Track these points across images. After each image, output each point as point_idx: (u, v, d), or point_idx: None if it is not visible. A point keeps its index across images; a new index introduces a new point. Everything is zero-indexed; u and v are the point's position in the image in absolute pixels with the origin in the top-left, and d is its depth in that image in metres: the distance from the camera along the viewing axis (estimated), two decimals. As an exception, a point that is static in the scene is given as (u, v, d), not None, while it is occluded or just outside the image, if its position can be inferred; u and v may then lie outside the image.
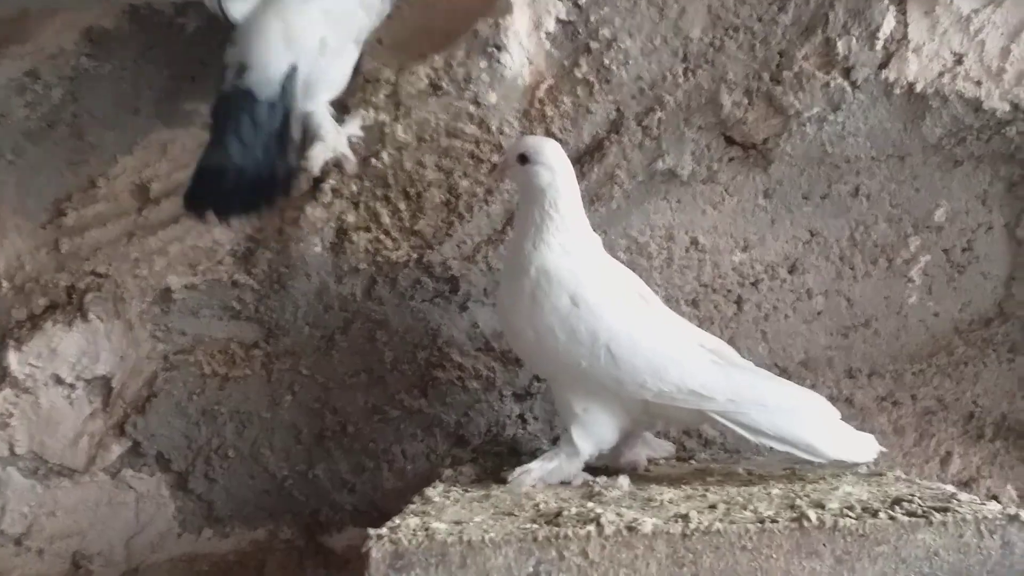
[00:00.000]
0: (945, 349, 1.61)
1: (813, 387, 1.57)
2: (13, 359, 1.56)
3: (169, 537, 1.63)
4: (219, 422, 1.61)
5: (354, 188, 1.55)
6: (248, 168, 1.34)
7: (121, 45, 1.59)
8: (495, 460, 1.42)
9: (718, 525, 0.94)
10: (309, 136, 1.47)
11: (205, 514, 1.63)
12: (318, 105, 1.46)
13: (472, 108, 1.52)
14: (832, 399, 1.56)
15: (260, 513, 1.63)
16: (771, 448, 1.19)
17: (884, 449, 1.22)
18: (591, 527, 0.94)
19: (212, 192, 1.37)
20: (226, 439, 1.61)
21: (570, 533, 0.94)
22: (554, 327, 1.21)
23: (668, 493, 1.12)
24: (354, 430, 1.61)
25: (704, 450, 1.56)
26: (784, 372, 1.59)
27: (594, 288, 1.23)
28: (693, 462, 1.45)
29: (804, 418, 1.20)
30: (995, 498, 1.57)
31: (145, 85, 1.60)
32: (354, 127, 1.52)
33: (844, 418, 1.24)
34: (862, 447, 1.21)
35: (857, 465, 1.22)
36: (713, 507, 1.03)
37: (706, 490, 1.14)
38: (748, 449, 1.31)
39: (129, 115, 1.60)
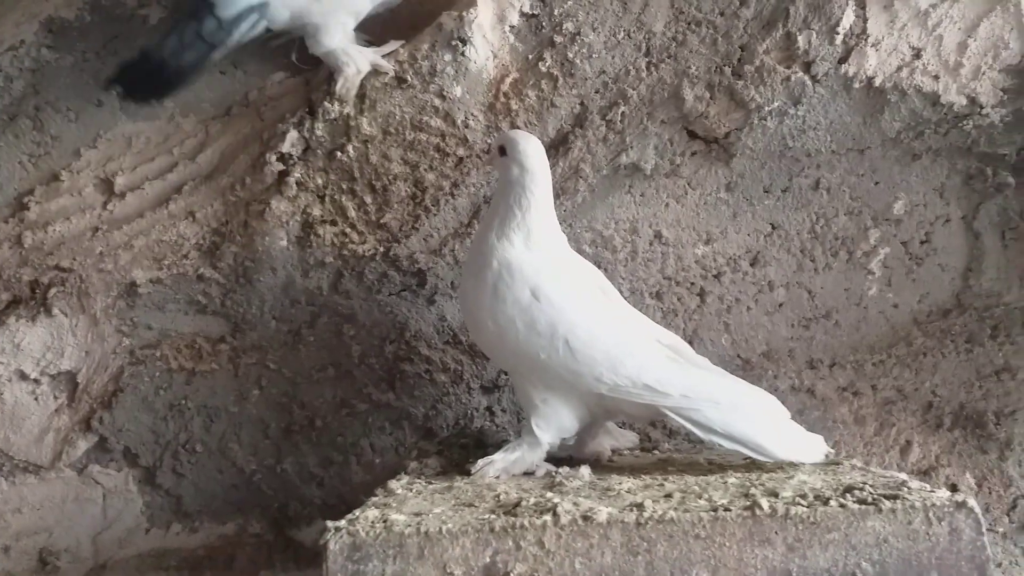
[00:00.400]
0: (904, 340, 1.63)
1: (775, 378, 1.60)
2: (-24, 355, 1.54)
3: (137, 533, 1.62)
4: (186, 417, 1.60)
5: (320, 181, 1.55)
6: (170, 64, 1.43)
7: (82, 36, 1.58)
8: (461, 452, 1.42)
9: (672, 514, 0.95)
10: (334, 75, 1.50)
11: (173, 509, 1.62)
12: (333, 42, 1.48)
13: (437, 101, 1.52)
14: (794, 390, 1.59)
15: (229, 508, 1.63)
16: (720, 446, 1.19)
17: (832, 451, 1.23)
18: (547, 517, 0.95)
19: (132, 72, 1.46)
20: (194, 434, 1.60)
21: (526, 523, 0.94)
22: (514, 319, 1.22)
23: (627, 483, 1.13)
24: (322, 424, 1.61)
25: (668, 440, 1.57)
26: (746, 363, 1.61)
27: (555, 282, 1.24)
28: (656, 452, 1.46)
29: (755, 417, 1.21)
30: (954, 487, 1.59)
31: (108, 77, 1.59)
32: (375, 55, 1.52)
33: (805, 408, 1.25)
34: (810, 448, 1.21)
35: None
36: (669, 496, 1.04)
37: (664, 479, 1.15)
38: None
39: (92, 108, 1.59)
